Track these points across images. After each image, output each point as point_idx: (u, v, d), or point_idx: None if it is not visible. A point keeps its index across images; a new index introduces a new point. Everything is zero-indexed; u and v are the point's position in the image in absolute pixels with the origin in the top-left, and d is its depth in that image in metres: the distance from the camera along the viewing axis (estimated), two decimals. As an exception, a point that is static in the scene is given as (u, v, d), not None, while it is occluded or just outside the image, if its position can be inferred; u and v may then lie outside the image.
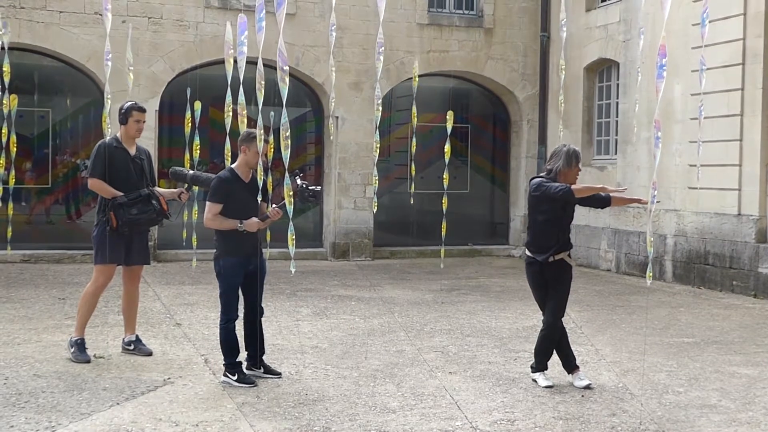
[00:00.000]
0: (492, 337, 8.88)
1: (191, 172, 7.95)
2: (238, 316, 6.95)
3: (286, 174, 6.52)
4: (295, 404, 6.31)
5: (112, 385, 6.71)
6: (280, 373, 7.09)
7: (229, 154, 8.51)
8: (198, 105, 10.12)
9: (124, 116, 7.67)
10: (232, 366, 6.86)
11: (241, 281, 6.89)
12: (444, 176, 12.39)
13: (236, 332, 6.89)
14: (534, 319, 9.98)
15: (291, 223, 7.04)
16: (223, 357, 6.93)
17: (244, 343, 7.08)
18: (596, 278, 14.11)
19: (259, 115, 7.55)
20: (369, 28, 15.85)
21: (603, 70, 16.03)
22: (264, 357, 7.17)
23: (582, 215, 15.92)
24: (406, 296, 11.63)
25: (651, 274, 6.42)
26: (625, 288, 12.83)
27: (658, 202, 7.02)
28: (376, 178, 9.77)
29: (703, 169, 12.12)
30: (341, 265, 15.11)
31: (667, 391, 6.78)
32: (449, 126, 11.86)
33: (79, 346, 7.50)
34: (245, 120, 8.10)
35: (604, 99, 16.03)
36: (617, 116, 15.31)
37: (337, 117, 15.77)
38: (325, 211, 16.40)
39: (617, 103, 15.33)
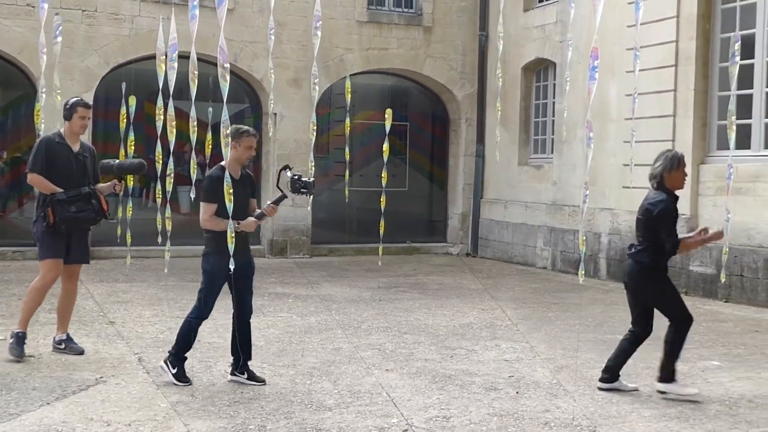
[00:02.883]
0: (429, 335, 8.91)
1: (116, 162, 7.79)
2: (208, 316, 6.85)
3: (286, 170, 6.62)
4: (230, 403, 6.25)
5: (42, 384, 6.58)
6: (263, 380, 6.86)
7: (161, 156, 8.41)
8: (133, 100, 10.00)
9: (69, 112, 7.48)
10: (177, 358, 6.74)
11: (224, 281, 6.76)
12: (382, 174, 12.41)
13: (197, 332, 6.81)
14: (470, 316, 10.06)
15: (230, 222, 6.99)
16: (173, 346, 6.79)
17: (231, 348, 6.90)
18: (532, 276, 14.27)
19: (192, 106, 7.47)
20: (308, 24, 15.68)
21: (540, 70, 16.21)
22: (199, 356, 7.10)
23: (519, 213, 16.11)
24: (344, 294, 11.61)
25: (583, 272, 6.49)
26: (561, 285, 13.00)
27: (585, 202, 7.04)
28: (313, 171, 9.72)
29: (636, 169, 12.31)
30: (279, 263, 15.04)
31: (600, 387, 6.88)
32: (388, 124, 11.87)
33: (19, 339, 7.35)
34: (174, 123, 8.03)
35: (541, 98, 16.21)
36: (554, 116, 15.49)
37: (275, 114, 15.69)
38: (263, 208, 16.29)
39: (554, 102, 15.51)
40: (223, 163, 6.74)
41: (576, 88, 14.29)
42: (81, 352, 7.57)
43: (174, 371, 6.71)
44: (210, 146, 9.34)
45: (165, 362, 6.79)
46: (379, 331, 9.03)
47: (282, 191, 6.82)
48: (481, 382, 6.98)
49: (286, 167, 6.88)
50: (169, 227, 8.68)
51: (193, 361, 7.24)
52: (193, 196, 8.00)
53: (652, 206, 6.80)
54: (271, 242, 15.99)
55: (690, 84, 12.28)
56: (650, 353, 7.18)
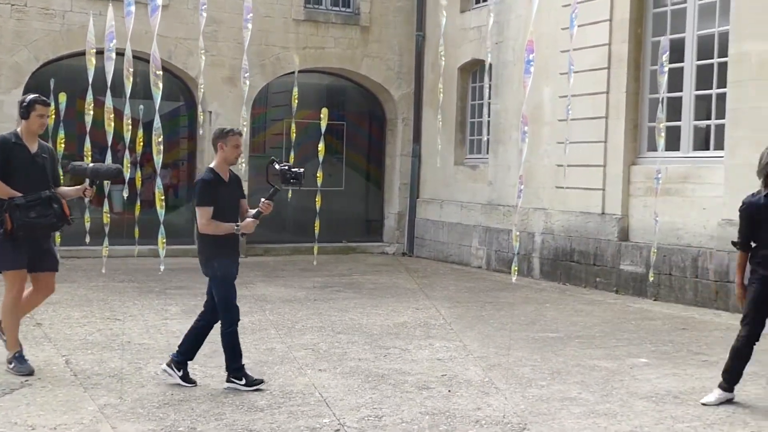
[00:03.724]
0: (363, 334, 8.91)
1: (90, 165, 7.39)
2: (239, 318, 6.75)
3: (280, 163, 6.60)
4: (159, 405, 6.16)
5: (-36, 388, 6.41)
6: (195, 383, 6.75)
7: (89, 152, 8.28)
8: (63, 97, 9.84)
9: (26, 110, 6.98)
10: (239, 370, 6.65)
11: (235, 280, 6.70)
12: (318, 174, 12.39)
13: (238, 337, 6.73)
14: (405, 315, 10.09)
15: (162, 225, 6.92)
16: (229, 362, 6.66)
17: (182, 341, 6.82)
18: (467, 275, 14.36)
19: (126, 104, 7.36)
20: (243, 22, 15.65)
21: (476, 71, 16.33)
22: (129, 358, 6.98)
23: (454, 213, 16.21)
24: (279, 294, 11.55)
25: (516, 269, 6.56)
26: (495, 284, 13.11)
27: (520, 197, 7.08)
28: (243, 169, 9.64)
29: (569, 170, 12.50)
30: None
31: (530, 384, 6.94)
32: (323, 123, 11.87)
33: (18, 359, 6.93)
34: (112, 116, 7.89)
35: (477, 99, 16.33)
36: (489, 116, 15.60)
37: (210, 112, 15.54)
38: (198, 208, 16.13)
39: (489, 103, 15.63)
40: (212, 165, 6.70)
41: (512, 89, 14.44)
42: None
43: (243, 383, 6.60)
44: (141, 144, 9.24)
45: (230, 380, 6.63)
46: (313, 331, 9.00)
47: (273, 185, 6.72)
48: (414, 381, 7.00)
49: (272, 161, 6.81)
50: (106, 222, 8.55)
51: (122, 363, 7.13)
52: (126, 194, 7.87)
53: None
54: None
55: (622, 87, 12.48)
56: (580, 351, 7.29)
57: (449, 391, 6.71)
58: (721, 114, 11.16)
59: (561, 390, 6.77)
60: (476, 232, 15.57)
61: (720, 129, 11.19)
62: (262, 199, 6.67)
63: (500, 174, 14.97)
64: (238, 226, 6.56)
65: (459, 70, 16.29)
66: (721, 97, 11.14)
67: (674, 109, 11.83)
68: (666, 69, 8.49)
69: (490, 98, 15.44)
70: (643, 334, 9.21)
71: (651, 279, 9.75)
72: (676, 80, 11.72)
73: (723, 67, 11.10)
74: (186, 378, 6.74)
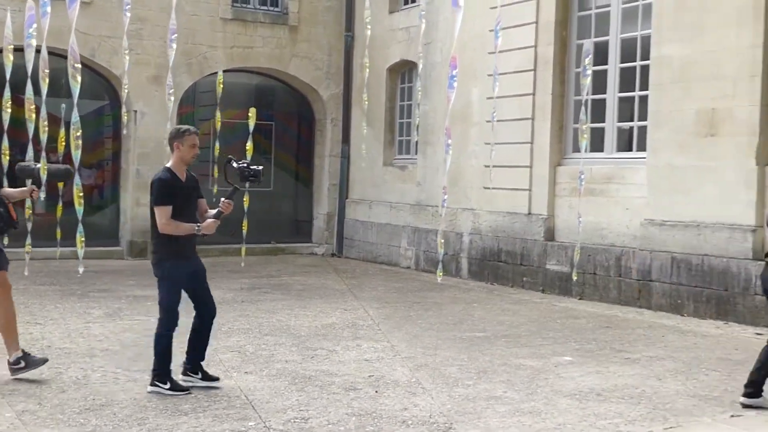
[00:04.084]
0: (290, 336, 8.85)
1: (37, 165, 7.18)
2: (178, 323, 6.58)
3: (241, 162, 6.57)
4: (80, 410, 6.02)
5: None
6: (218, 378, 6.77)
7: (8, 151, 8.05)
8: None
9: None
10: (167, 375, 6.51)
11: (185, 285, 6.59)
12: (246, 174, 12.24)
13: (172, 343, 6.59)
14: (333, 316, 10.06)
15: (80, 223, 6.75)
16: (157, 366, 6.52)
17: (188, 348, 6.73)
18: (396, 275, 14.40)
19: (43, 105, 7.19)
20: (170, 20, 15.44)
21: (405, 72, 16.39)
22: (48, 362, 6.80)
23: (383, 214, 16.23)
24: (206, 295, 11.40)
25: (441, 273, 6.57)
26: (423, 285, 13.16)
27: (444, 206, 7.13)
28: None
29: (497, 170, 12.61)
30: (139, 265, 14.61)
31: (457, 384, 6.97)
32: (251, 123, 11.73)
33: (26, 358, 6.74)
34: (33, 113, 7.67)
35: (406, 100, 16.39)
36: (418, 117, 15.64)
37: (135, 111, 15.28)
38: (122, 208, 15.87)
39: (418, 104, 15.66)
40: (168, 164, 6.60)
41: (440, 90, 14.51)
42: (44, 361, 6.91)
43: (168, 386, 6.47)
44: (63, 144, 9.01)
45: (154, 384, 6.50)
46: (239, 333, 8.90)
47: (233, 184, 6.66)
48: (341, 382, 6.97)
49: (230, 160, 6.72)
50: (29, 217, 8.33)
51: (42, 368, 6.95)
52: (43, 196, 7.66)
53: None
54: (131, 243, 15.57)
55: (548, 88, 12.64)
56: (507, 350, 7.31)
57: (376, 391, 6.70)
58: (643, 116, 11.39)
59: (487, 389, 6.82)
60: (405, 232, 15.61)
61: (643, 131, 11.42)
62: (222, 199, 6.60)
63: (429, 175, 15.03)
64: (198, 226, 6.50)
65: (388, 70, 16.33)
66: (644, 100, 11.37)
67: (599, 110, 12.03)
68: (589, 72, 8.62)
69: (419, 99, 15.51)
70: (568, 333, 9.33)
71: (575, 278, 9.90)
72: (600, 82, 11.93)
73: (645, 69, 11.33)
74: (206, 377, 6.74)
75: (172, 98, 8.48)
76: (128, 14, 7.86)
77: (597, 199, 11.77)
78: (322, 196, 17.65)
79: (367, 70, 9.83)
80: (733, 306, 9.96)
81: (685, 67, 10.60)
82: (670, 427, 5.81)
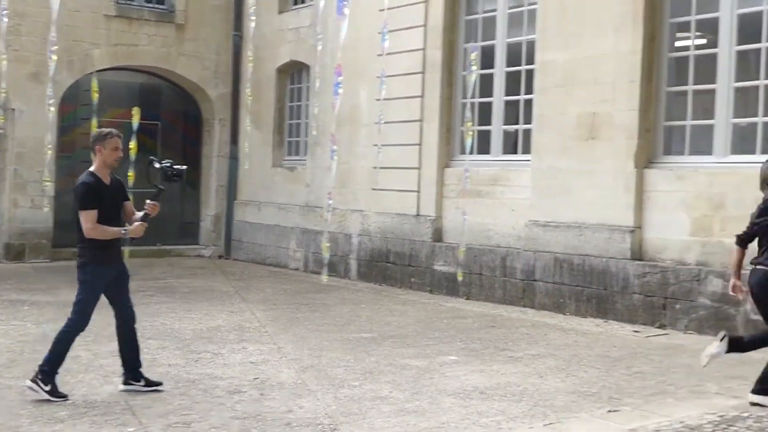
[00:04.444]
0: (174, 339, 8.67)
1: None
2: (85, 329, 6.48)
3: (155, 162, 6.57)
4: (-53, 419, 5.75)
5: None
6: (161, 383, 6.69)
7: None
8: None
9: None
10: (51, 375, 6.33)
11: (105, 290, 6.45)
12: (129, 174, 11.94)
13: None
14: (219, 319, 9.91)
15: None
16: (46, 363, 6.34)
17: (121, 357, 6.66)
18: (285, 277, 14.31)
19: None
20: (50, 16, 14.95)
21: (294, 73, 16.30)
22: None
23: (272, 215, 16.11)
24: (87, 299, 11.07)
25: (326, 275, 6.54)
26: (312, 286, 13.10)
27: (334, 209, 7.14)
28: (48, 180, 9.16)
29: (385, 172, 12.69)
30: (16, 268, 14.13)
31: (343, 385, 6.95)
32: (135, 122, 11.44)
33: None
34: None
35: (296, 101, 16.30)
36: (308, 118, 15.61)
37: (13, 109, 14.73)
38: (-1, 210, 15.29)
39: (308, 105, 15.63)
40: (92, 168, 6.44)
41: (330, 91, 14.45)
42: None
43: (48, 388, 6.28)
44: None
45: (35, 381, 6.29)
46: (121, 337, 8.66)
47: (157, 186, 6.60)
48: (225, 385, 6.86)
49: (151, 160, 6.66)
50: None
51: None
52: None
53: None
54: (7, 246, 15.00)
55: (436, 91, 12.76)
56: (393, 350, 7.31)
57: (261, 394, 6.62)
58: (528, 119, 11.62)
59: (373, 389, 6.82)
60: (294, 234, 15.53)
61: (528, 134, 11.64)
62: (148, 201, 6.53)
63: (318, 176, 14.98)
64: (126, 230, 6.43)
65: (277, 71, 16.22)
66: (529, 103, 11.60)
67: (485, 113, 12.22)
68: (474, 67, 8.73)
69: (308, 100, 15.47)
70: (453, 333, 9.43)
71: (460, 278, 10.02)
72: (487, 86, 12.12)
73: (530, 74, 11.56)
74: (149, 383, 6.65)
75: (53, 108, 8.20)
76: (5, 19, 7.56)
77: (483, 201, 11.95)
78: (209, 197, 17.38)
79: (251, 65, 9.67)
80: (612, 304, 10.26)
81: (567, 72, 10.87)
82: (550, 423, 5.93)
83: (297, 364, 7.68)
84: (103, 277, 6.43)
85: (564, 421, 5.99)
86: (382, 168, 12.12)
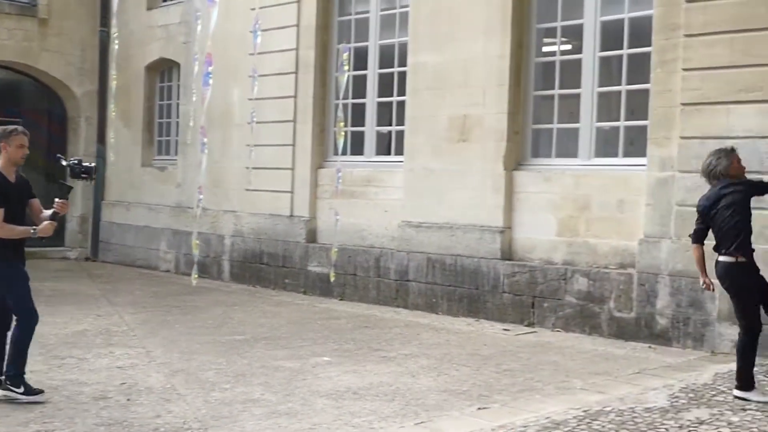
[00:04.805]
0: (36, 345, 8.18)
1: None
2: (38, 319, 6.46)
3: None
4: None
5: None
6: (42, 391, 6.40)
7: None
8: None
9: None
10: (22, 377, 6.32)
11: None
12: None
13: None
14: (85, 323, 9.59)
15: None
16: (10, 368, 6.29)
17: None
18: (155, 279, 13.99)
19: None
20: None
21: (164, 71, 15.95)
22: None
23: (142, 216, 15.72)
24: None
25: (196, 275, 6.41)
26: (183, 288, 12.84)
27: (206, 209, 7.04)
28: None
29: (259, 172, 12.56)
30: None
31: (214, 388, 6.83)
32: (-8, 118, 10.99)
33: None
34: None
35: (166, 99, 15.96)
36: (178, 117, 15.30)
37: None
38: None
39: (178, 104, 15.33)
40: None
41: (200, 90, 14.21)
42: None
43: (22, 390, 6.27)
44: None
45: (7, 388, 6.29)
46: (-21, 344, 8.26)
47: (65, 183, 6.53)
48: (91, 391, 6.64)
49: (59, 158, 6.67)
50: None
51: None
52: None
53: (740, 184, 6.65)
54: None
55: (309, 91, 12.71)
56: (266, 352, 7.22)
57: (128, 399, 6.43)
58: (401, 121, 11.71)
59: (244, 392, 6.73)
60: (164, 235, 15.20)
61: (401, 135, 11.73)
62: (56, 199, 6.39)
63: (189, 176, 14.70)
64: (34, 229, 6.31)
65: (146, 69, 15.85)
66: (402, 105, 11.68)
67: (359, 114, 12.26)
68: (346, 68, 8.73)
69: (179, 99, 15.18)
70: (327, 334, 9.41)
71: (332, 279, 10.02)
72: (360, 87, 12.15)
73: (403, 76, 11.65)
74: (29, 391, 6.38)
75: None
76: None
77: (357, 201, 11.98)
78: (75, 197, 16.77)
79: (116, 43, 9.36)
80: (483, 304, 10.45)
81: (438, 74, 11.01)
82: (421, 422, 5.98)
83: (166, 368, 7.51)
84: (22, 271, 6.35)
85: (435, 419, 6.05)
86: (255, 168, 11.99)
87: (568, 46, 10.45)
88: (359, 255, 11.88)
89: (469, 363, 7.98)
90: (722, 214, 6.59)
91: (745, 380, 6.59)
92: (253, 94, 9.01)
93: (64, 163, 6.62)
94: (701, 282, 6.91)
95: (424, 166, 11.19)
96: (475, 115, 10.60)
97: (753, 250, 6.68)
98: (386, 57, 12.06)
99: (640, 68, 9.41)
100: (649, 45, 9.15)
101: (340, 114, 8.78)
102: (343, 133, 9.06)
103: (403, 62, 11.66)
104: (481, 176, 10.53)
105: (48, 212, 6.42)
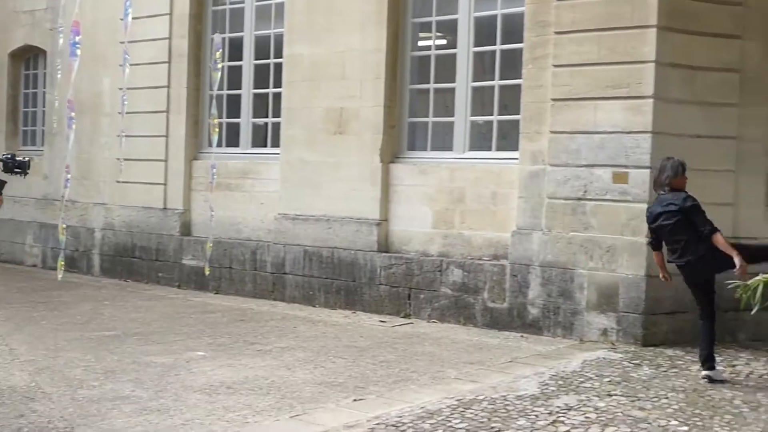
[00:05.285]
0: None
1: None
2: None
3: None
4: None
5: None
6: None
7: None
8: None
9: None
10: None
11: None
12: None
13: None
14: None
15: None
16: None
17: None
18: (20, 274, 13.48)
19: None
20: None
21: (30, 58, 15.34)
22: None
23: (7, 209, 15.04)
24: None
25: (62, 264, 6.19)
26: (51, 283, 12.35)
27: (74, 202, 6.85)
28: None
29: (131, 164, 12.20)
30: None
31: (81, 386, 6.61)
32: None
33: None
34: None
35: (31, 88, 15.36)
36: (44, 106, 14.75)
37: None
38: None
39: (45, 92, 14.77)
40: None
41: (67, 78, 13.74)
42: None
43: None
44: None
45: None
46: None
47: None
48: (-52, 392, 6.33)
49: None
50: None
51: None
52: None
53: (681, 202, 7.03)
54: None
55: (183, 81, 12.45)
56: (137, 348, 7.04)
57: (-9, 400, 6.16)
58: (278, 112, 11.59)
59: (114, 389, 6.53)
60: (31, 228, 14.64)
61: (277, 127, 11.62)
62: None
63: (57, 167, 14.17)
64: None
65: (10, 56, 15.20)
66: (278, 96, 11.57)
67: (235, 106, 12.08)
68: (220, 65, 8.59)
69: (45, 87, 14.63)
70: (202, 328, 9.25)
71: (207, 273, 9.85)
72: (235, 78, 11.98)
73: (279, 67, 11.54)
74: None
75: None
76: None
77: (233, 194, 11.83)
78: (-66, 190, 15.97)
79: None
80: (360, 296, 10.47)
81: (315, 66, 10.95)
82: (296, 415, 5.94)
83: (31, 365, 7.22)
84: None
85: (310, 412, 6.03)
86: (126, 159, 11.63)
87: (443, 41, 10.57)
88: (235, 248, 11.72)
89: (345, 355, 7.98)
90: (663, 229, 7.16)
91: (713, 360, 7.05)
92: (125, 84, 8.73)
93: None
94: (660, 276, 7.42)
95: (301, 158, 11.13)
96: (352, 108, 10.60)
97: (707, 247, 6.98)
98: (262, 48, 11.92)
99: (512, 64, 9.60)
100: (521, 41, 9.34)
101: (215, 111, 8.63)
102: (217, 125, 8.90)
103: (279, 54, 11.54)
104: (358, 169, 10.55)
105: None
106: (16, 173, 6.57)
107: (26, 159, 6.67)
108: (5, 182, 6.49)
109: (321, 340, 8.71)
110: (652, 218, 7.27)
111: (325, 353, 8.05)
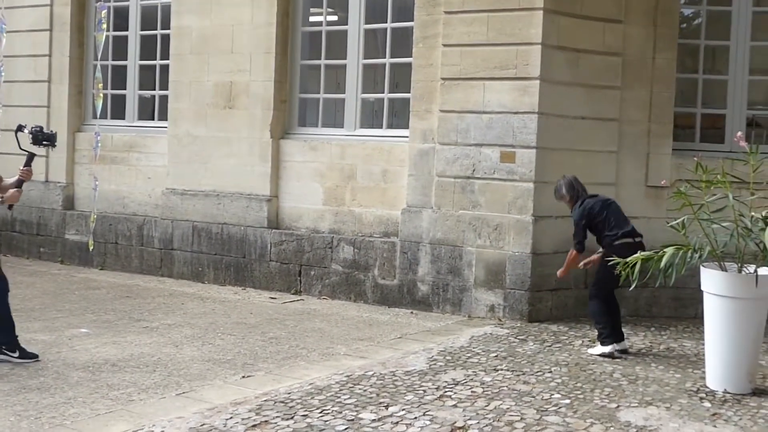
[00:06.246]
0: None
1: None
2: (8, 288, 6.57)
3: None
4: None
5: None
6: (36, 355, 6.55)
7: None
8: None
9: None
10: (12, 342, 6.52)
11: None
12: None
13: None
14: None
15: None
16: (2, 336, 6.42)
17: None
18: None
19: None
20: None
21: None
22: None
23: None
24: None
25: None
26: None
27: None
28: None
29: (10, 135, 11.73)
30: None
31: (-44, 366, 6.37)
32: None
33: None
34: None
35: None
36: None
37: None
38: None
39: None
40: None
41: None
42: None
43: (17, 354, 6.47)
44: None
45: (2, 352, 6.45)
46: None
47: (28, 151, 6.53)
48: None
49: (20, 127, 6.63)
50: None
51: None
52: None
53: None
54: None
55: (65, 50, 12.05)
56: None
57: None
58: (165, 85, 11.34)
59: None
60: None
61: (164, 100, 11.37)
62: (20, 167, 6.47)
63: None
64: (2, 197, 6.34)
65: None
66: (166, 69, 11.32)
67: (120, 77, 11.76)
68: (104, 26, 8.34)
69: None
70: (85, 304, 9.02)
71: (91, 248, 9.61)
72: (121, 49, 11.66)
73: (166, 39, 11.27)
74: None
75: None
76: None
77: (119, 168, 11.56)
78: None
79: None
80: (251, 272, 10.39)
81: (204, 39, 10.75)
82: (183, 392, 5.86)
83: None
84: None
85: (198, 389, 5.96)
86: (4, 131, 11.18)
87: (335, 17, 10.52)
88: (121, 223, 11.46)
89: (234, 332, 7.92)
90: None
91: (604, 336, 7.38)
92: (1, 51, 8.37)
93: (26, 131, 6.58)
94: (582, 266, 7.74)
95: (189, 132, 10.94)
96: (242, 82, 10.47)
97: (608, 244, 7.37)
98: (149, 18, 11.62)
99: (403, 42, 9.64)
100: (412, 20, 9.39)
101: (99, 75, 8.38)
102: (102, 96, 8.65)
103: (166, 25, 11.28)
104: (248, 144, 10.44)
105: (12, 180, 6.49)
106: (45, 145, 6.67)
107: (54, 132, 6.86)
108: (35, 155, 6.60)
109: (210, 316, 8.62)
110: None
111: (214, 330, 7.97)
